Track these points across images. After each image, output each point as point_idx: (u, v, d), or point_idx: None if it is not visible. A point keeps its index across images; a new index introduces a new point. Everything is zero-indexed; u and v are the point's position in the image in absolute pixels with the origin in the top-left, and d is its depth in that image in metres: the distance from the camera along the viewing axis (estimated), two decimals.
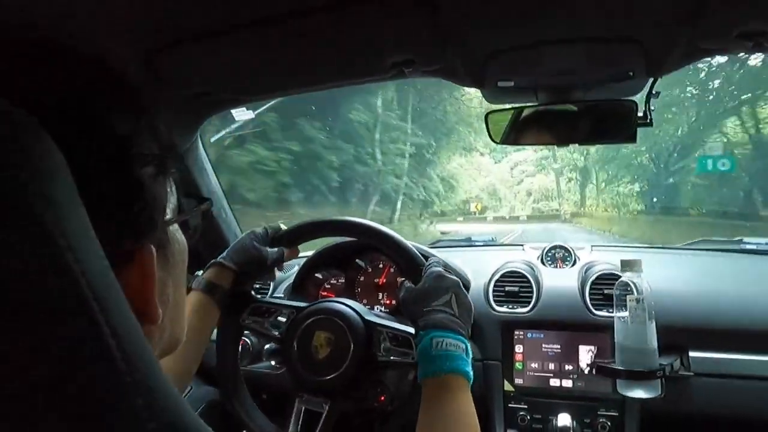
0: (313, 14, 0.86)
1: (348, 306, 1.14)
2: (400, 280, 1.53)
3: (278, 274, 1.27)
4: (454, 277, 1.00)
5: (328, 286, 1.61)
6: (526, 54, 1.03)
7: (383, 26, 0.92)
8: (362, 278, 1.60)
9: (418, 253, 1.16)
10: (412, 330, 1.07)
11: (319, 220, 1.25)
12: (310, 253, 1.61)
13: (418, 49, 1.02)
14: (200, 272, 1.15)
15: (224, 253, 1.15)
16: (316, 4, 0.83)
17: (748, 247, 1.74)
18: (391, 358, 1.08)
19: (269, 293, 1.63)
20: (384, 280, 1.58)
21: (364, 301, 1.55)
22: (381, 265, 1.59)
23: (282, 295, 1.58)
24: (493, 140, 1.29)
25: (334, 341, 1.09)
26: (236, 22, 0.88)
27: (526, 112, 1.24)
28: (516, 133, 1.27)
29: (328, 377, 1.07)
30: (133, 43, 0.93)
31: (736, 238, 1.81)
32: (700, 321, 1.36)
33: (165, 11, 0.83)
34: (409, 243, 1.19)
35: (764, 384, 1.29)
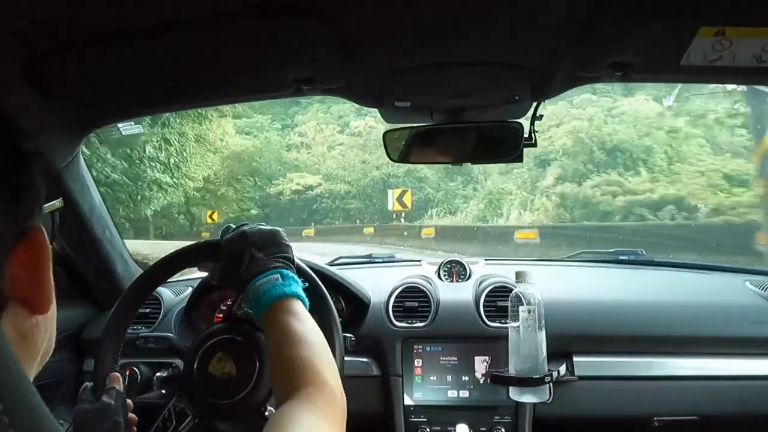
0: (208, 26, 0.83)
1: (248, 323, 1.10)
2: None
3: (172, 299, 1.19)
4: (242, 230, 0.99)
5: (224, 308, 1.54)
6: (423, 76, 1.07)
7: (284, 42, 0.92)
8: None
9: (314, 276, 1.14)
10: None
11: (194, 246, 1.13)
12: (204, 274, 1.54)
13: (319, 68, 1.02)
14: None
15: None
16: (212, 14, 0.81)
17: (623, 258, 1.91)
18: None
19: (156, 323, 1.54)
20: None
21: None
22: None
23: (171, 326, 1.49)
24: (390, 158, 1.32)
25: (238, 363, 1.05)
26: (123, 30, 0.83)
27: (422, 132, 1.29)
28: (413, 152, 1.31)
29: (235, 399, 1.03)
30: (10, 52, 0.85)
31: (612, 250, 1.98)
32: (582, 328, 1.46)
33: (45, 17, 0.77)
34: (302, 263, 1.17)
35: (640, 383, 1.42)
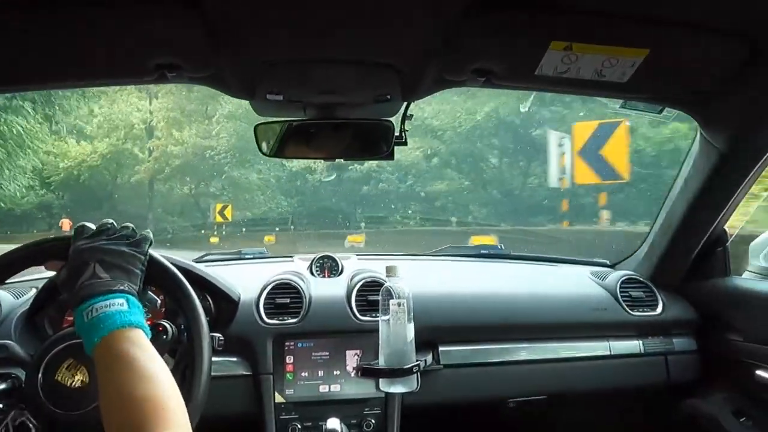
0: (63, 2, 0.76)
1: None
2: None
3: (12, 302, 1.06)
4: (97, 244, 0.90)
5: None
6: (296, 70, 1.06)
7: (148, 25, 0.86)
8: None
9: (176, 272, 1.08)
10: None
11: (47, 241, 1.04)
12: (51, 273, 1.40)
13: (185, 54, 0.97)
14: None
15: None
16: None
17: (484, 252, 2.04)
18: None
19: None
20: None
21: None
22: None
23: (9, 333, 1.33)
24: (262, 152, 1.29)
25: (91, 370, 0.97)
26: None
27: (294, 126, 1.27)
28: (284, 147, 1.29)
29: (87, 410, 0.95)
30: None
31: (474, 245, 2.11)
32: (447, 319, 1.54)
33: None
34: (162, 258, 1.10)
35: (497, 368, 1.54)
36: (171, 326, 1.13)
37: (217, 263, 1.83)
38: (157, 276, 1.06)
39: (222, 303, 1.44)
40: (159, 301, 1.23)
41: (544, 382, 1.56)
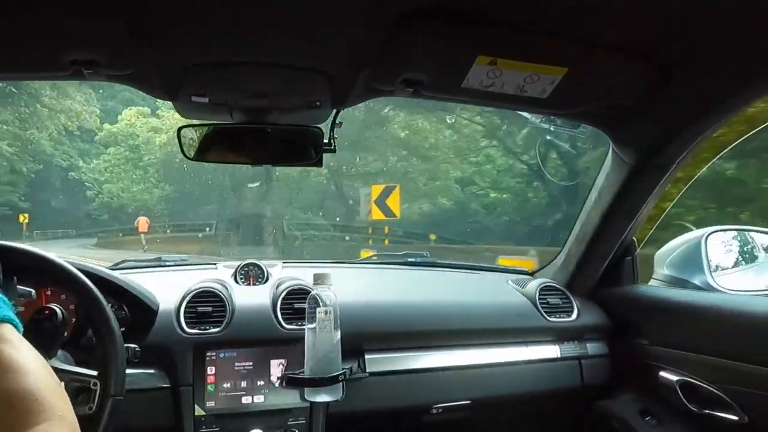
0: None
1: None
2: None
3: None
4: None
5: None
6: (221, 72, 1.03)
7: (64, 18, 0.81)
8: (26, 309, 1.33)
9: (86, 281, 1.02)
10: (95, 372, 0.95)
11: None
12: None
13: (105, 51, 0.92)
14: None
15: None
16: None
17: (411, 260, 2.06)
18: None
19: None
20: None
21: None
22: (48, 292, 1.36)
23: None
24: (185, 156, 1.24)
25: None
26: None
27: (220, 130, 1.24)
28: (210, 151, 1.25)
29: None
30: None
31: (402, 253, 2.13)
32: (374, 326, 1.55)
33: None
34: (73, 267, 1.04)
35: (423, 375, 1.55)
36: (60, 309, 1.07)
37: (134, 270, 1.74)
38: (63, 283, 1.00)
39: (139, 312, 1.37)
40: (33, 292, 1.16)
41: (466, 388, 1.60)
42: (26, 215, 18.18)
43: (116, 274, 1.35)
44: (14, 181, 18.86)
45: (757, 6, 0.86)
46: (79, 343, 1.32)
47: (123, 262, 1.84)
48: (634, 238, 1.76)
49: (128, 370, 1.11)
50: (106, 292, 1.05)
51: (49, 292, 1.34)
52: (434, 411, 1.57)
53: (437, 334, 1.61)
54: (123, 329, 1.09)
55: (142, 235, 16.16)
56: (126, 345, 1.11)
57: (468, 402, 1.58)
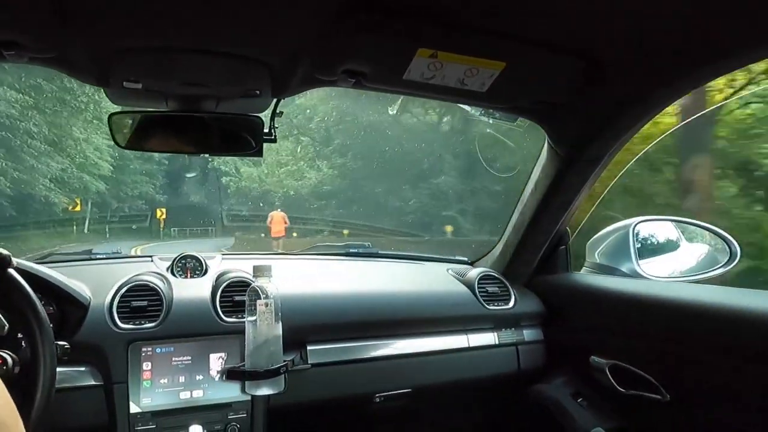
0: None
1: None
2: None
3: None
4: None
5: None
6: (155, 58, 1.00)
7: None
8: None
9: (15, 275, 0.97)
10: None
11: None
12: None
13: (27, 31, 0.87)
14: None
15: None
16: None
17: (352, 251, 2.07)
18: None
19: None
20: None
21: None
22: None
23: None
24: (117, 144, 1.19)
25: None
26: None
27: (154, 118, 1.20)
28: (142, 138, 1.21)
29: None
30: None
31: (343, 243, 2.13)
32: (316, 318, 1.54)
33: None
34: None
35: (365, 365, 1.57)
36: (10, 356, 1.02)
37: (63, 264, 1.66)
38: None
39: (68, 307, 1.31)
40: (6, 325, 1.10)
41: (408, 376, 1.62)
42: (163, 210, 16.47)
43: (42, 268, 1.28)
44: (150, 171, 17.24)
45: (681, 6, 0.90)
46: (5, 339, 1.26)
47: (50, 255, 1.76)
48: (567, 228, 1.83)
49: (58, 369, 1.06)
50: (33, 286, 1.00)
51: None
52: (377, 400, 1.58)
53: (379, 324, 1.62)
54: (51, 326, 1.04)
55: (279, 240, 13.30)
56: (54, 342, 1.07)
57: (409, 390, 1.61)
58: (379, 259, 2.07)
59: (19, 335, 1.28)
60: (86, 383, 1.29)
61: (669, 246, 1.83)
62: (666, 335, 1.41)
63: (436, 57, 1.03)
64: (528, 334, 1.80)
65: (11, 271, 1.01)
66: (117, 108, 1.23)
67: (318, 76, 1.12)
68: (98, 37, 0.92)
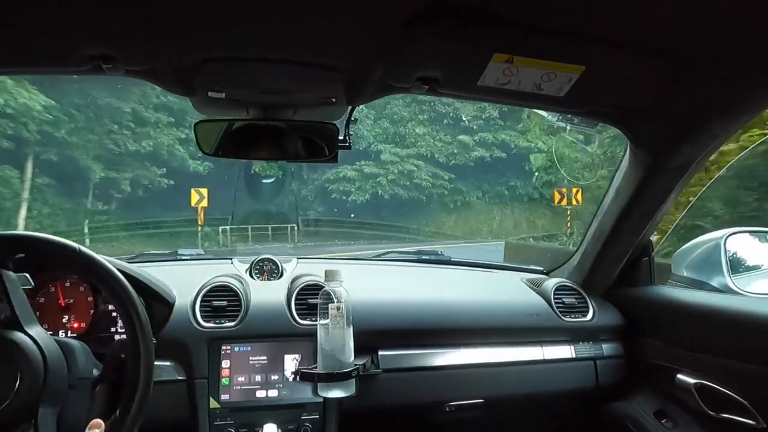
0: None
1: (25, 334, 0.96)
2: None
3: None
4: None
5: None
6: (236, 67, 1.04)
7: (81, 12, 0.83)
8: (38, 299, 1.36)
9: (116, 273, 1.04)
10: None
11: None
12: None
13: (121, 45, 0.93)
14: None
15: None
16: None
17: (424, 257, 2.06)
18: None
19: None
20: (72, 301, 1.38)
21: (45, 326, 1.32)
22: (68, 284, 1.38)
23: None
24: (202, 151, 1.26)
25: None
26: None
27: (236, 126, 1.25)
28: (226, 146, 1.26)
29: None
30: None
31: (415, 250, 2.13)
32: (388, 323, 1.55)
33: None
34: (102, 259, 1.06)
35: (435, 373, 1.56)
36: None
37: (151, 263, 1.76)
38: (92, 275, 1.02)
39: (156, 305, 1.39)
40: (29, 279, 1.18)
41: (480, 387, 1.59)
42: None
43: (134, 267, 1.37)
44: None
45: None
46: (96, 335, 1.35)
47: (140, 255, 1.87)
48: (651, 239, 1.74)
49: None
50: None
51: (68, 284, 1.38)
52: (447, 409, 1.57)
53: (450, 332, 1.60)
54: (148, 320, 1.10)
55: None
56: None
57: (481, 401, 1.58)
58: (452, 266, 2.05)
59: (112, 329, 1.38)
60: (170, 378, 1.37)
61: (766, 260, 1.70)
62: (762, 355, 1.30)
63: (511, 62, 1.01)
64: (607, 348, 1.72)
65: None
66: (202, 117, 1.29)
67: (392, 83, 1.13)
68: (184, 49, 0.97)
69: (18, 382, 0.91)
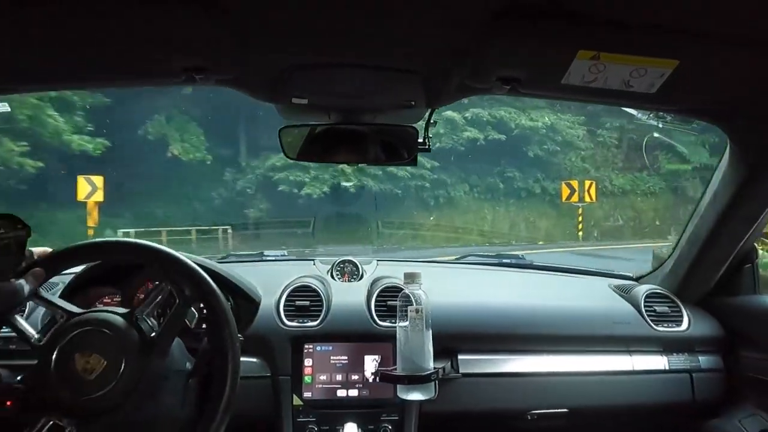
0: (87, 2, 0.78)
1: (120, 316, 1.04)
2: None
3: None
4: None
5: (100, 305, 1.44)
6: (318, 74, 1.07)
7: (173, 26, 0.88)
8: (138, 296, 1.46)
9: (203, 274, 1.09)
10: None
11: (86, 244, 1.12)
12: (78, 269, 1.42)
13: (211, 56, 0.99)
14: None
15: None
16: None
17: (505, 261, 2.02)
18: None
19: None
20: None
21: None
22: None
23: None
24: (287, 155, 1.30)
25: (104, 356, 0.99)
26: None
27: (319, 130, 1.28)
28: (309, 150, 1.30)
29: (91, 396, 0.96)
30: None
31: (495, 254, 2.09)
32: (467, 327, 1.53)
33: None
34: (191, 260, 1.12)
35: (517, 380, 1.52)
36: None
37: (239, 263, 1.85)
38: (185, 277, 1.08)
39: (243, 304, 1.46)
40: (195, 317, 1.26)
41: (564, 396, 1.54)
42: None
43: (223, 266, 1.44)
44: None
45: None
46: (190, 330, 1.43)
47: (228, 256, 1.96)
48: (755, 245, 1.61)
49: None
50: (215, 283, 1.12)
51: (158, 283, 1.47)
52: (529, 417, 1.52)
53: (533, 338, 1.56)
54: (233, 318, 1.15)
55: None
56: None
57: (565, 410, 1.53)
58: (533, 270, 1.99)
59: (203, 326, 1.45)
60: (256, 374, 1.42)
61: None
62: None
63: (598, 59, 0.97)
64: (704, 360, 1.60)
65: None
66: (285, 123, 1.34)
67: (472, 84, 1.12)
68: (271, 57, 1.01)
69: (123, 366, 0.98)
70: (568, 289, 1.83)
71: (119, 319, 1.03)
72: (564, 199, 12.32)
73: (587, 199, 11.82)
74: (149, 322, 1.06)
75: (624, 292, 1.74)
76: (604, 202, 14.64)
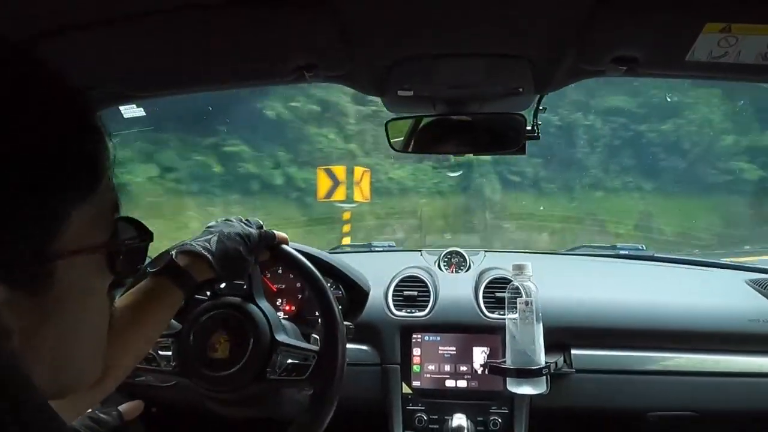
0: (207, 8, 0.83)
1: (259, 308, 1.10)
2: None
3: None
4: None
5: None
6: (424, 65, 1.07)
7: (285, 28, 0.92)
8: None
9: (311, 268, 1.14)
10: (315, 348, 1.07)
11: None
12: None
13: (322, 54, 1.02)
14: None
15: (200, 243, 0.98)
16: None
17: (623, 252, 1.91)
18: (282, 377, 1.06)
19: None
20: (283, 286, 1.55)
21: None
22: (280, 271, 1.56)
23: None
24: (393, 148, 1.32)
25: (234, 339, 1.06)
26: (126, 11, 0.83)
27: (424, 122, 1.28)
28: (415, 142, 1.31)
29: (225, 373, 1.03)
30: (13, 29, 0.85)
31: (610, 245, 1.98)
32: (581, 321, 1.47)
33: None
34: (293, 250, 1.16)
35: (636, 377, 1.43)
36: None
37: (349, 254, 1.91)
38: (294, 268, 1.14)
39: (353, 293, 1.51)
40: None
41: (692, 397, 1.42)
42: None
43: (335, 257, 1.49)
44: None
45: None
46: (304, 317, 1.49)
47: (338, 247, 2.03)
48: None
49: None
50: (327, 273, 1.16)
51: (280, 272, 1.55)
52: (650, 418, 1.43)
53: (655, 334, 1.46)
54: (339, 308, 1.19)
55: None
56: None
57: (693, 413, 1.42)
58: (655, 262, 1.86)
59: (316, 313, 1.52)
60: (367, 361, 1.47)
61: None
62: None
63: (728, 31, 0.88)
64: None
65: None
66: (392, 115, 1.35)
67: (584, 67, 1.06)
68: (378, 51, 1.02)
69: (251, 346, 1.05)
70: (696, 283, 1.69)
71: (246, 302, 1.10)
72: None
73: None
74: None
75: (762, 287, 1.57)
76: None
